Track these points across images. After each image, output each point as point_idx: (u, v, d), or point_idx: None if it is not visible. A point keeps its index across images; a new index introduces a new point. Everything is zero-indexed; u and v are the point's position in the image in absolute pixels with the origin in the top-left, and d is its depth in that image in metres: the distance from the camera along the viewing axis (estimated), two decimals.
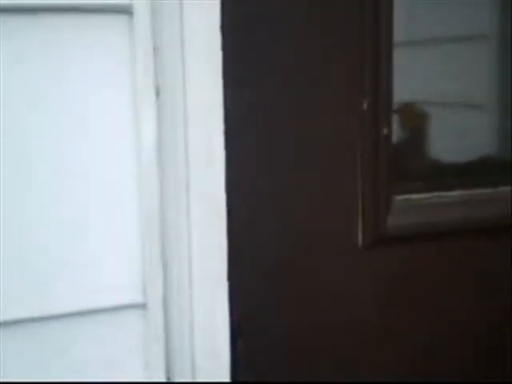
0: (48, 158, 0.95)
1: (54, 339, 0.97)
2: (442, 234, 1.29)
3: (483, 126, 1.41)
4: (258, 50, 1.12)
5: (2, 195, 0.93)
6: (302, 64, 1.16)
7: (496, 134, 1.43)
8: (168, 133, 1.00)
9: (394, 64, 1.22)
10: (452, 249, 1.30)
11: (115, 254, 0.99)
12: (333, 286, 1.22)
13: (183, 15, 0.98)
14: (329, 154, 1.19)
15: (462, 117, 1.38)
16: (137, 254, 1.00)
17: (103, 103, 0.97)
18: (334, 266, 1.22)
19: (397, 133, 1.29)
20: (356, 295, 1.24)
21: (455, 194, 1.32)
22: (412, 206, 1.28)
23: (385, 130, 1.21)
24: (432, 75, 1.32)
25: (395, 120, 1.26)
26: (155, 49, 0.98)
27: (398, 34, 1.22)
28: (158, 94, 0.99)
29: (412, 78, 1.28)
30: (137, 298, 1.01)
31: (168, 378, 1.04)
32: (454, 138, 1.36)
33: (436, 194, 1.31)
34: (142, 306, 1.01)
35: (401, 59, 1.23)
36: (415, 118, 1.34)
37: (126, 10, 0.96)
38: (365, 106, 1.19)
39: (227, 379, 1.07)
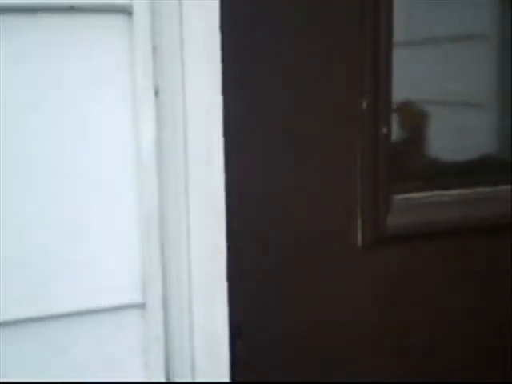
0: (48, 158, 0.95)
1: (53, 339, 0.97)
2: (441, 234, 1.29)
3: (483, 126, 1.41)
4: (258, 49, 1.12)
5: (2, 195, 0.93)
6: (302, 64, 1.16)
7: (496, 133, 1.43)
8: (167, 133, 1.00)
9: (393, 64, 1.22)
10: (452, 248, 1.30)
11: (115, 254, 0.99)
12: (333, 285, 1.22)
13: (182, 15, 0.98)
14: (328, 154, 1.19)
15: (462, 116, 1.38)
16: (136, 254, 1.00)
17: (103, 103, 0.97)
18: (333, 266, 1.22)
19: (396, 132, 1.29)
20: (356, 295, 1.24)
21: (455, 193, 1.32)
22: (412, 206, 1.28)
23: (384, 130, 1.21)
24: (432, 75, 1.32)
25: (394, 119, 1.26)
26: (154, 49, 0.98)
27: (398, 33, 1.22)
28: (157, 93, 0.99)
29: (412, 77, 1.28)
30: (136, 297, 1.01)
31: (168, 378, 1.04)
32: (454, 137, 1.36)
33: (436, 193, 1.31)
34: (142, 306, 1.01)
35: (401, 59, 1.23)
36: (414, 117, 1.34)
37: (126, 10, 0.96)
38: (364, 105, 1.20)
39: (227, 379, 1.07)
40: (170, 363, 1.04)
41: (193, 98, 1.00)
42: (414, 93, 1.31)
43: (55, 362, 0.98)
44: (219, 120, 1.02)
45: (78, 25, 0.94)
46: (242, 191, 1.11)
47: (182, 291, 1.03)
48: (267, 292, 1.18)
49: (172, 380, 1.04)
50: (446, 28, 1.33)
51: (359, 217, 1.22)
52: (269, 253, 1.17)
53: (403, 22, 1.24)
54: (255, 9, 1.11)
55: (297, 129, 1.17)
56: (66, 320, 0.98)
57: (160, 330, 1.02)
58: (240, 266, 1.09)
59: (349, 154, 1.20)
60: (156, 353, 1.02)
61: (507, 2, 1.37)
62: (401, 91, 1.25)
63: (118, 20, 0.96)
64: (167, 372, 1.04)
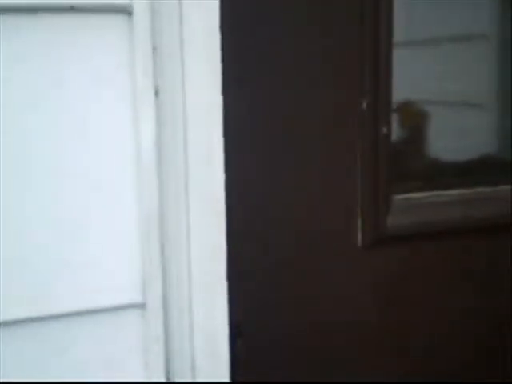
0: (48, 158, 0.95)
1: (53, 339, 0.97)
2: (441, 234, 1.29)
3: (483, 126, 1.41)
4: (258, 49, 1.12)
5: (2, 195, 0.93)
6: (302, 64, 1.16)
7: (496, 133, 1.43)
8: (167, 133, 1.00)
9: (393, 64, 1.22)
10: (452, 248, 1.30)
11: (115, 254, 0.99)
12: (333, 285, 1.22)
13: (182, 15, 0.98)
14: (328, 154, 1.19)
15: (462, 116, 1.38)
16: (136, 254, 1.00)
17: (103, 103, 0.97)
18: (333, 266, 1.22)
19: (396, 132, 1.29)
20: (356, 295, 1.24)
21: (455, 193, 1.32)
22: (412, 206, 1.28)
23: (384, 130, 1.21)
24: (432, 75, 1.32)
25: (394, 119, 1.26)
26: (154, 49, 0.98)
27: (398, 33, 1.22)
28: (157, 93, 0.99)
29: (412, 77, 1.28)
30: (136, 297, 1.01)
31: (168, 378, 1.04)
32: (454, 137, 1.36)
33: (436, 193, 1.31)
34: (142, 306, 1.01)
35: (401, 59, 1.23)
36: (414, 117, 1.34)
37: (126, 10, 0.96)
38: (364, 105, 1.20)
39: (227, 379, 1.07)
40: (170, 363, 1.04)
41: (193, 98, 1.00)
42: (414, 93, 1.31)
43: (55, 361, 0.98)
44: (219, 120, 1.02)
45: (78, 25, 0.94)
46: (241, 191, 1.11)
47: (182, 291, 1.03)
48: (267, 292, 1.18)
49: (172, 380, 1.04)
50: (445, 28, 1.33)
51: (359, 217, 1.22)
52: (269, 253, 1.17)
53: (403, 22, 1.24)
54: (255, 9, 1.11)
55: (297, 129, 1.17)
56: (65, 320, 0.98)
57: (160, 330, 1.02)
58: (240, 266, 1.09)
59: (349, 154, 1.20)
60: (156, 353, 1.02)
61: (507, 2, 1.37)
62: (401, 91, 1.25)
63: (118, 20, 0.96)
64: (167, 372, 1.04)
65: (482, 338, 1.34)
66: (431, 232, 1.28)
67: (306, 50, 1.16)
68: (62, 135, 0.95)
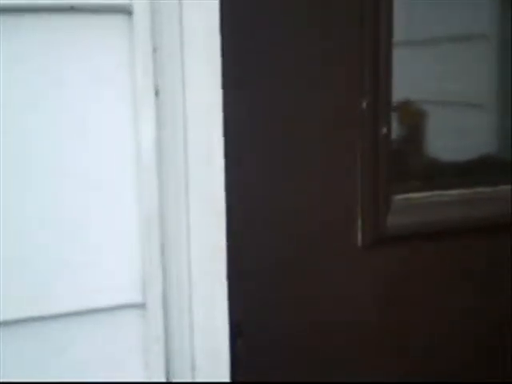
0: (48, 158, 0.95)
1: (53, 339, 0.97)
2: (441, 234, 1.29)
3: (483, 126, 1.41)
4: (258, 51, 1.12)
5: (2, 195, 0.93)
6: (302, 65, 1.16)
7: (496, 133, 1.43)
8: (167, 133, 1.00)
9: (393, 64, 1.22)
10: (452, 248, 1.30)
11: (115, 254, 0.99)
12: (333, 285, 1.22)
13: (183, 16, 0.98)
14: (328, 154, 1.19)
15: (462, 116, 1.38)
16: (136, 254, 1.00)
17: (103, 103, 0.97)
18: (333, 266, 1.22)
19: (396, 132, 1.29)
20: (356, 295, 1.24)
21: (455, 193, 1.32)
22: (412, 206, 1.28)
23: (384, 130, 1.21)
24: (432, 75, 1.32)
25: (394, 119, 1.26)
26: (154, 49, 0.98)
27: (398, 33, 1.22)
28: (157, 94, 0.99)
29: (412, 77, 1.28)
30: (136, 297, 1.01)
31: (168, 378, 1.04)
32: (454, 137, 1.36)
33: (436, 193, 1.31)
34: (142, 306, 1.01)
35: (401, 59, 1.23)
36: (414, 117, 1.34)
37: (126, 10, 0.96)
38: (364, 105, 1.20)
39: (227, 379, 1.07)
40: (170, 363, 1.04)
41: (193, 98, 1.00)
42: (414, 93, 1.31)
43: (55, 361, 0.98)
44: (219, 120, 1.02)
45: (77, 25, 0.94)
46: (242, 191, 1.11)
47: (182, 291, 1.03)
48: (267, 292, 1.18)
49: (172, 380, 1.04)
50: (445, 28, 1.33)
51: (359, 217, 1.22)
52: (269, 253, 1.17)
53: (403, 22, 1.24)
54: (255, 9, 1.11)
55: (297, 129, 1.17)
56: (65, 320, 0.98)
57: (160, 330, 1.02)
58: (240, 265, 1.09)
59: (349, 154, 1.20)
60: (156, 353, 1.02)
61: (507, 2, 1.37)
62: (401, 91, 1.25)
63: (118, 20, 0.96)
64: (167, 372, 1.04)
65: (481, 337, 1.34)
66: (431, 232, 1.28)
67: (306, 51, 1.16)
68: (62, 135, 0.95)
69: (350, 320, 1.23)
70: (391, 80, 1.21)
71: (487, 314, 1.34)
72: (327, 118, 1.18)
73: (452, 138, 1.36)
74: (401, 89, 1.24)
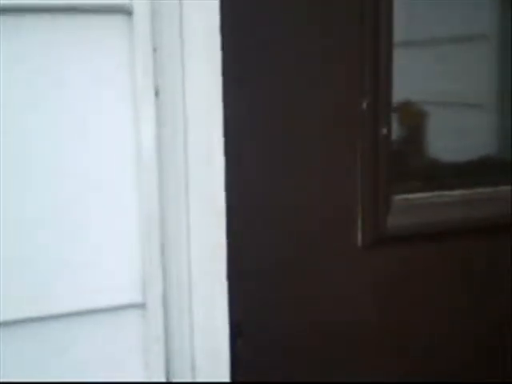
0: (48, 158, 0.95)
1: (53, 339, 0.97)
2: (441, 234, 1.29)
3: (483, 126, 1.41)
4: (258, 50, 1.12)
5: (2, 195, 0.93)
6: (302, 64, 1.16)
7: (496, 134, 1.43)
8: (167, 133, 1.00)
9: (393, 64, 1.22)
10: (452, 248, 1.30)
11: (115, 254, 0.99)
12: (333, 285, 1.22)
13: (183, 15, 0.98)
14: (328, 154, 1.19)
15: (462, 116, 1.38)
16: (136, 254, 1.00)
17: (103, 103, 0.97)
18: (333, 266, 1.22)
19: (396, 132, 1.29)
20: (356, 295, 1.24)
21: (455, 193, 1.32)
22: (412, 206, 1.28)
23: (384, 130, 1.21)
24: (432, 75, 1.32)
25: (394, 119, 1.26)
26: (155, 49, 0.98)
27: (398, 33, 1.22)
28: (157, 93, 0.99)
29: (412, 77, 1.28)
30: (136, 297, 1.01)
31: (168, 378, 1.04)
32: (454, 138, 1.36)
33: (436, 193, 1.31)
34: (142, 306, 1.01)
35: (401, 59, 1.23)
36: (414, 117, 1.34)
37: (126, 11, 0.96)
38: (364, 105, 1.20)
39: (227, 379, 1.07)
40: (170, 363, 1.04)
41: (193, 97, 1.00)
42: (414, 93, 1.31)
43: (55, 361, 0.98)
44: (219, 120, 1.02)
45: (78, 25, 0.94)
46: (241, 191, 1.11)
47: (182, 291, 1.03)
48: (267, 292, 1.18)
49: (172, 380, 1.04)
50: (446, 28, 1.33)
51: (359, 217, 1.22)
52: (269, 253, 1.17)
53: (403, 22, 1.24)
54: (255, 9, 1.11)
55: (297, 128, 1.17)
56: (65, 320, 0.98)
57: (160, 330, 1.02)
58: (240, 265, 1.09)
59: (349, 154, 1.20)
60: (156, 353, 1.02)
61: (507, 2, 1.37)
62: (401, 91, 1.25)
63: (118, 20, 0.96)
64: (167, 372, 1.04)
65: (481, 337, 1.34)
66: (431, 232, 1.28)
67: (306, 49, 1.16)
68: (62, 135, 0.95)
69: (349, 320, 1.23)
70: (391, 80, 1.21)
71: (487, 314, 1.34)
72: (327, 117, 1.18)
73: (452, 138, 1.36)
74: (401, 89, 1.24)
